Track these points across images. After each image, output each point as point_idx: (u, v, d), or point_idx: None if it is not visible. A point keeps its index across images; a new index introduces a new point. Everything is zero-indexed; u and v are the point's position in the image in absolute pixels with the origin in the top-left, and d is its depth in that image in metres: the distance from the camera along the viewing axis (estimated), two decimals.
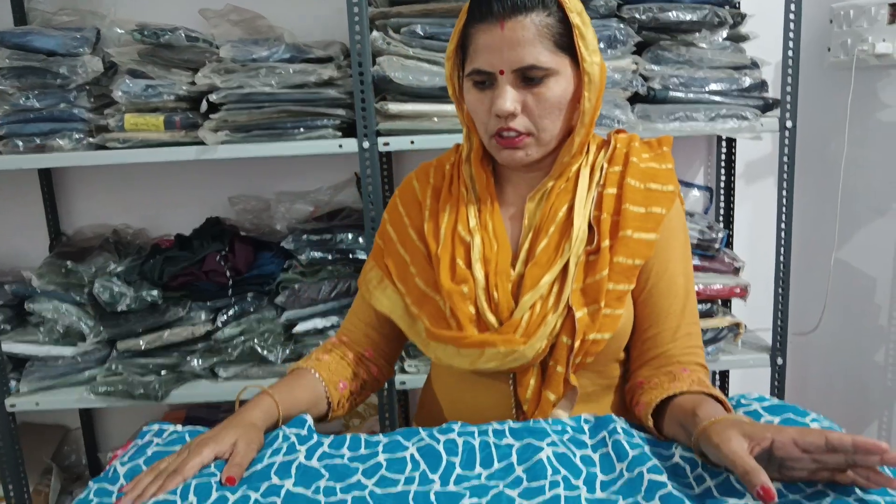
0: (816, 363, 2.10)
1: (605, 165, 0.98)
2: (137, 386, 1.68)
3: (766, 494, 0.61)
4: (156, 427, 0.91)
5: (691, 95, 1.65)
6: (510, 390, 0.96)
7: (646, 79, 1.65)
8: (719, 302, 1.83)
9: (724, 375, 2.04)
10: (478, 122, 0.96)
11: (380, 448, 0.82)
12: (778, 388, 1.72)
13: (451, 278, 0.95)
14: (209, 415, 1.99)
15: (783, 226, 1.69)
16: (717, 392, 0.84)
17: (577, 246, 0.93)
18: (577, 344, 0.91)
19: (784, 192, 1.68)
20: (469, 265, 0.95)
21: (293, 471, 0.77)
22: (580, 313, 0.91)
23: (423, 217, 1.03)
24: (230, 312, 1.74)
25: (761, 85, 1.70)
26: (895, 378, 1.85)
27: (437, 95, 1.58)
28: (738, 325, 1.75)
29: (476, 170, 1.01)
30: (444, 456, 0.79)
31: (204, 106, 1.62)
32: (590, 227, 0.95)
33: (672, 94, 1.64)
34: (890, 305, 1.83)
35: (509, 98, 0.89)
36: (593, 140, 1.01)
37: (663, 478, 0.71)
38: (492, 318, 0.93)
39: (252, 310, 1.76)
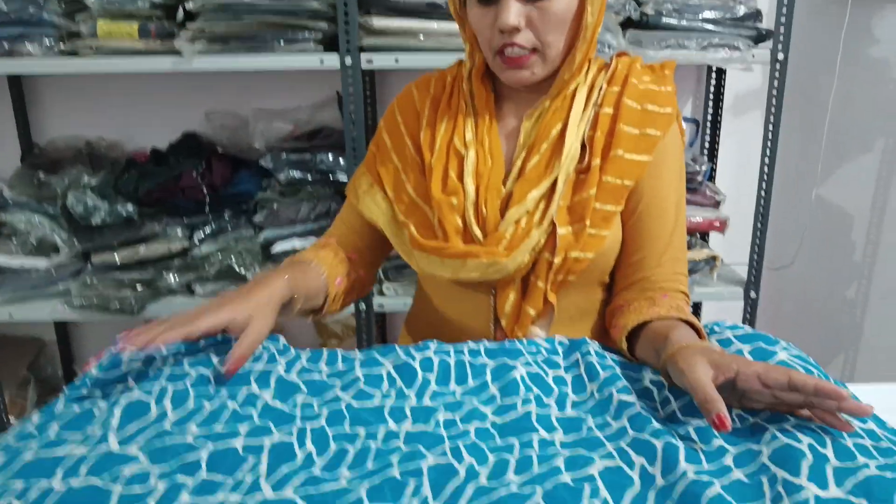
0: (789, 298, 2.14)
1: (605, 86, 0.96)
2: (113, 300, 1.67)
3: (720, 424, 0.63)
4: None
5: (684, 23, 1.61)
6: (490, 303, 0.97)
7: (639, 3, 1.61)
8: (698, 235, 1.84)
9: (697, 307, 2.07)
10: (481, 38, 0.93)
11: (356, 364, 0.83)
12: (749, 322, 1.76)
13: (442, 189, 0.95)
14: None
15: (767, 160, 1.68)
16: (694, 319, 0.85)
17: (568, 164, 0.92)
18: (557, 261, 0.91)
19: (770, 126, 1.67)
20: (461, 178, 0.95)
21: (272, 382, 0.77)
22: (563, 230, 0.91)
23: (419, 126, 1.01)
24: (207, 230, 1.72)
25: (755, 14, 1.66)
26: (863, 314, 1.89)
27: (425, 12, 1.53)
28: (714, 259, 1.76)
29: (476, 87, 0.99)
30: (420, 373, 0.80)
31: (180, 14, 1.56)
32: (583, 146, 0.94)
33: (665, 20, 1.60)
34: (865, 242, 1.85)
35: (513, 12, 0.86)
36: (594, 62, 0.99)
37: (632, 398, 0.72)
38: (477, 232, 0.93)
39: (229, 228, 1.74)
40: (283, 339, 0.90)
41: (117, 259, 1.70)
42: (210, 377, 0.77)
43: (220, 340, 0.85)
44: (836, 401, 0.63)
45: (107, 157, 1.90)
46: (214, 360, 0.80)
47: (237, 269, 1.70)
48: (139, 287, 1.72)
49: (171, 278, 1.72)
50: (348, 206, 1.09)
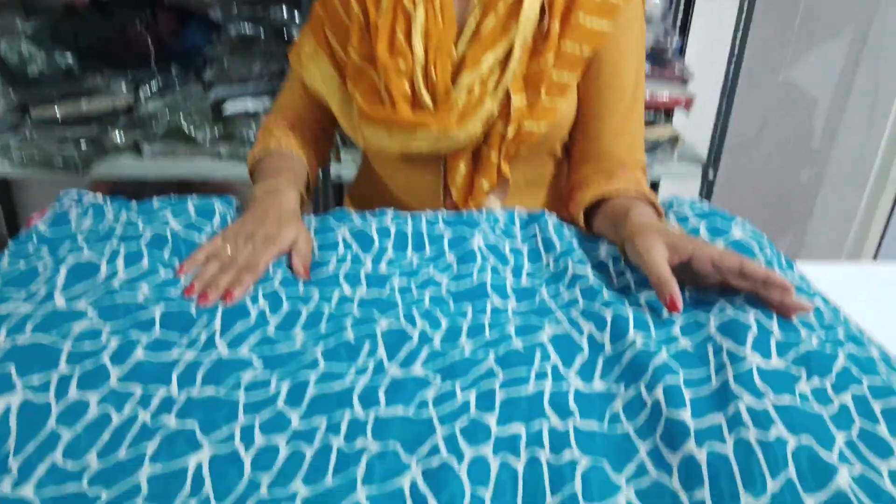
0: (745, 179, 2.17)
1: None
2: (56, 157, 1.59)
3: (671, 305, 0.64)
4: (74, 192, 0.86)
5: None
6: (440, 175, 0.94)
7: None
8: (662, 112, 1.81)
9: (655, 185, 2.08)
10: None
11: (311, 230, 0.81)
12: (706, 199, 1.78)
13: (389, 51, 0.89)
14: (136, 191, 1.94)
15: (738, 41, 1.64)
16: (652, 195, 0.84)
17: (526, 27, 0.87)
18: (511, 132, 0.88)
19: (745, 4, 1.61)
20: (409, 39, 0.88)
21: None
22: (518, 100, 0.87)
23: None
24: (153, 85, 1.63)
25: None
26: (815, 197, 1.93)
27: None
28: (676, 138, 1.75)
29: None
30: (377, 239, 0.78)
31: None
32: (543, 11, 0.88)
33: None
34: (824, 128, 1.86)
35: None
36: None
37: (586, 270, 0.72)
38: (427, 99, 0.88)
39: (177, 85, 1.65)
40: (236, 201, 0.88)
41: (58, 113, 1.60)
42: (167, 237, 0.75)
43: (173, 199, 0.82)
44: (781, 293, 0.64)
45: (41, 1, 1.75)
46: (171, 220, 0.77)
47: (186, 130, 1.63)
48: (83, 144, 1.64)
49: (117, 136, 1.64)
50: (294, 74, 1.01)
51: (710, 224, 0.78)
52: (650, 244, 0.69)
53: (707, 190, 1.75)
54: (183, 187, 1.85)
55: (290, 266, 0.74)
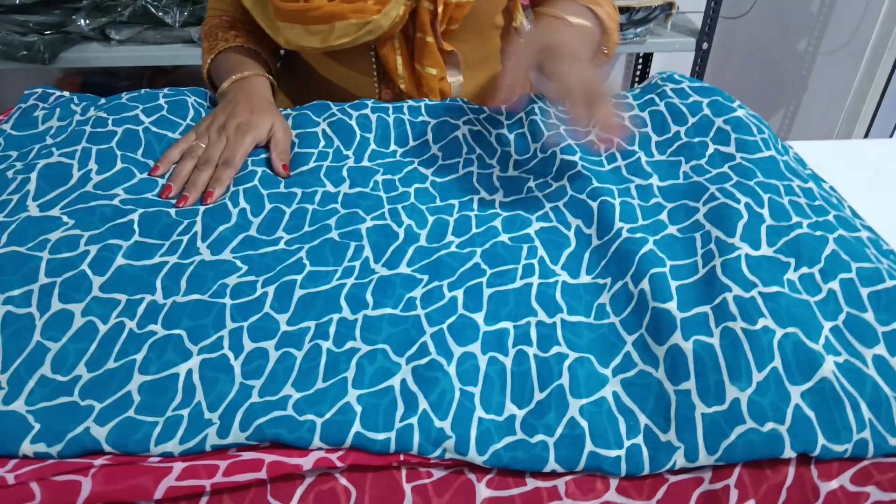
0: (739, 49, 2.09)
1: None
2: (19, 47, 1.51)
3: (496, 105, 0.69)
4: (39, 91, 0.82)
5: None
6: (372, 67, 0.88)
7: None
8: None
9: (648, 58, 2.01)
10: None
11: (290, 122, 0.78)
12: (699, 73, 1.72)
13: None
14: (107, 82, 1.86)
15: None
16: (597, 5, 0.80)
17: None
18: (440, 9, 0.80)
19: None
20: None
21: None
22: None
23: None
24: None
25: None
26: (810, 70, 1.88)
27: None
28: (671, 6, 1.67)
29: None
30: (358, 132, 0.75)
31: None
32: None
33: None
34: None
35: None
36: None
37: (575, 157, 0.70)
38: None
39: None
40: (209, 94, 0.84)
41: None
42: (140, 135, 0.72)
43: (143, 93, 0.79)
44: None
45: None
46: (142, 116, 0.74)
47: (154, 12, 1.54)
48: (47, 33, 1.55)
49: (82, 22, 1.55)
50: None
51: (711, 101, 0.75)
52: (514, 48, 0.67)
53: (701, 62, 1.70)
54: (155, 75, 1.78)
55: (269, 163, 0.71)
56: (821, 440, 0.45)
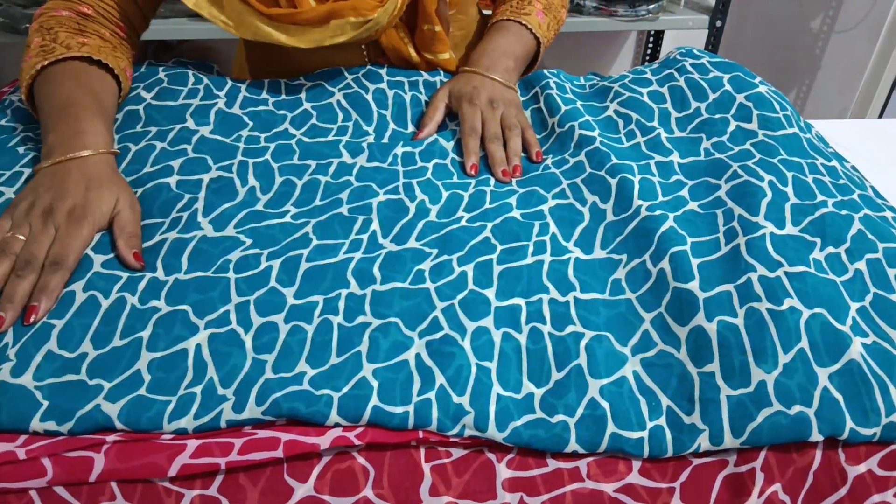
0: (752, 27, 2.06)
1: None
2: (21, 19, 1.49)
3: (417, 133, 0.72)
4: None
5: None
6: (363, 59, 0.83)
7: None
8: None
9: (659, 36, 1.98)
10: None
11: (303, 95, 0.75)
12: (712, 51, 1.69)
13: None
14: None
15: None
16: (530, 19, 0.83)
17: None
18: None
19: None
20: None
21: (212, 116, 0.70)
22: None
23: None
24: None
25: None
26: (824, 47, 1.85)
27: None
28: None
29: None
30: (375, 108, 0.73)
31: None
32: None
33: None
34: None
35: None
36: None
37: (594, 133, 0.68)
38: None
39: None
40: (216, 68, 0.82)
41: None
42: (140, 113, 0.69)
43: (144, 70, 0.76)
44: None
45: None
46: (144, 93, 0.71)
47: None
48: None
49: None
50: None
51: (732, 77, 0.73)
52: (440, 89, 0.76)
53: (714, 40, 1.67)
54: (159, 49, 1.75)
55: (114, 250, 0.55)
56: (849, 423, 0.44)
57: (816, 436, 0.43)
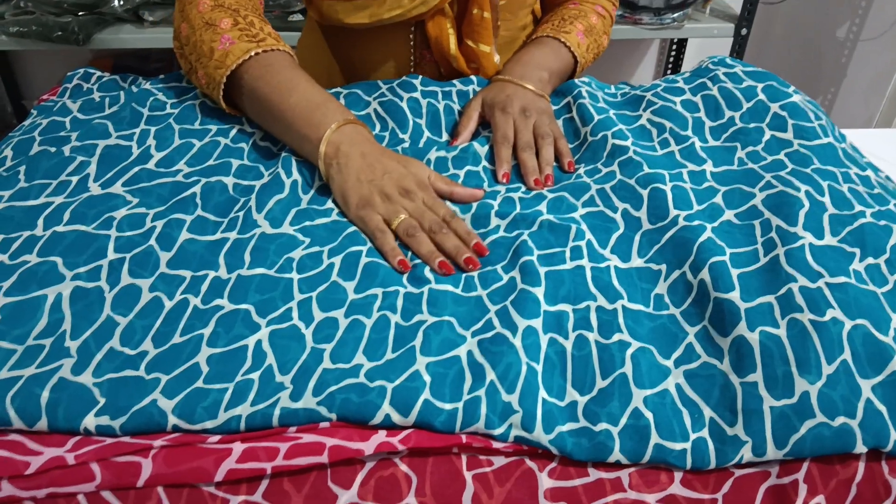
0: (778, 35, 2.05)
1: None
2: (54, 28, 1.51)
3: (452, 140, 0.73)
4: (81, 71, 0.82)
5: None
6: (409, 46, 0.84)
7: None
8: None
9: (682, 44, 1.98)
10: None
11: (342, 102, 0.76)
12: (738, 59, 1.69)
13: None
14: (139, 64, 1.86)
15: None
16: (571, 37, 0.84)
17: None
18: None
19: None
20: None
21: None
22: None
23: None
24: None
25: None
26: (850, 55, 1.84)
27: None
28: None
29: None
30: (410, 116, 0.74)
31: None
32: None
33: None
34: None
35: None
36: None
37: (626, 143, 0.68)
38: None
39: None
40: None
41: None
42: (196, 109, 0.72)
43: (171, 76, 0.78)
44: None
45: None
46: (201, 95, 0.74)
47: None
48: (81, 14, 1.55)
49: (116, 3, 1.55)
50: None
51: (766, 86, 0.73)
52: (473, 98, 0.77)
53: (739, 48, 1.66)
54: None
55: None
56: (893, 435, 0.43)
57: (860, 448, 0.43)
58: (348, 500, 0.41)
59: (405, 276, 0.55)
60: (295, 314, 0.50)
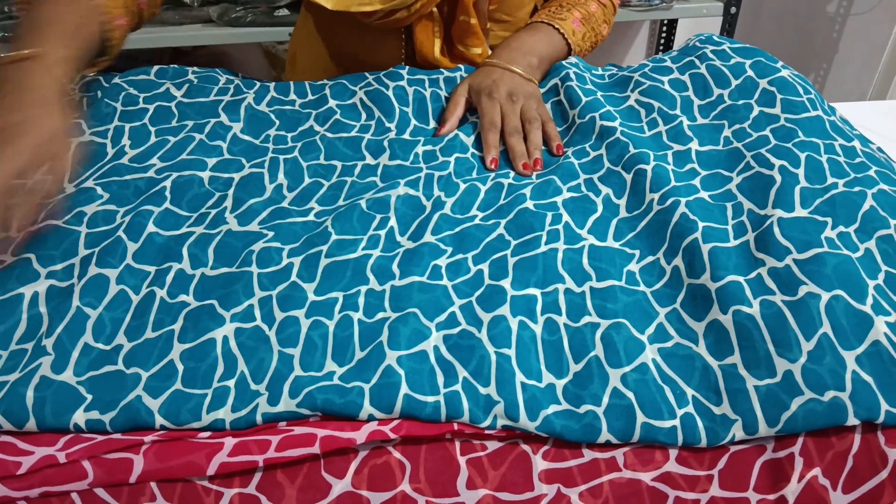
0: (768, 13, 2.04)
1: None
2: None
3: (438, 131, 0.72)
4: None
5: None
6: (401, 48, 0.84)
7: None
8: None
9: (673, 24, 1.97)
10: None
11: (327, 92, 0.76)
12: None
13: None
14: (125, 66, 1.85)
15: None
16: (565, 25, 0.82)
17: None
18: None
19: None
20: None
21: (242, 112, 0.72)
22: None
23: None
24: None
25: None
26: (841, 31, 1.83)
27: None
28: None
29: None
30: (396, 105, 0.74)
31: None
32: None
33: None
34: None
35: None
36: None
37: (614, 123, 0.68)
38: None
39: None
40: (240, 75, 0.83)
41: None
42: (172, 109, 0.72)
43: (174, 69, 0.78)
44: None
45: None
46: (174, 91, 0.73)
47: None
48: None
49: None
50: None
51: (754, 62, 0.72)
52: (460, 84, 0.76)
53: (729, 27, 1.65)
54: (174, 57, 1.77)
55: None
56: (884, 406, 0.43)
57: (853, 420, 0.43)
58: (342, 489, 0.41)
59: (368, 270, 0.54)
60: (257, 313, 0.50)
